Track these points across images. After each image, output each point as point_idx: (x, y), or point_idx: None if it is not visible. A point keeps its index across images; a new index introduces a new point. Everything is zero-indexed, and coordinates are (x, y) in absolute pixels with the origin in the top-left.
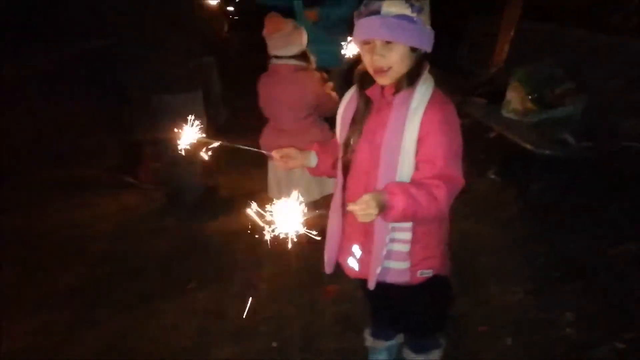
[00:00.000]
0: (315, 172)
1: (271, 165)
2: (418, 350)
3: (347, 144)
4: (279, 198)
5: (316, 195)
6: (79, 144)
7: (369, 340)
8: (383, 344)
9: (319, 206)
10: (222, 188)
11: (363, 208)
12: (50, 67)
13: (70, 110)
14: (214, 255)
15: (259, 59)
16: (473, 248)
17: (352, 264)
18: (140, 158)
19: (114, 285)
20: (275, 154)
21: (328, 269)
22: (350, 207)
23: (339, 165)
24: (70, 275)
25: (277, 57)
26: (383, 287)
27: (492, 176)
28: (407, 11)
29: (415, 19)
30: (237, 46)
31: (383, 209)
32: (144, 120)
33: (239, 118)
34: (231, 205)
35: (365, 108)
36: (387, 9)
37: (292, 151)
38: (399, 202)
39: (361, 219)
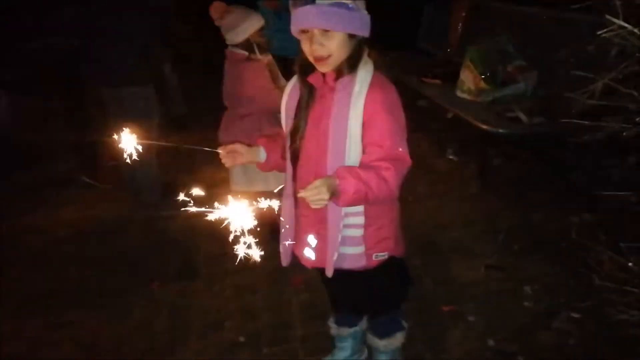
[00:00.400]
0: (264, 167)
1: None
2: (381, 334)
3: (294, 133)
4: (247, 189)
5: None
6: (39, 143)
7: (333, 329)
8: (347, 331)
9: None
10: (183, 183)
11: (314, 193)
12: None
13: (30, 109)
14: (178, 252)
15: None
16: (435, 227)
17: (309, 254)
18: (97, 157)
19: (83, 287)
20: (221, 149)
21: (285, 261)
22: (302, 193)
23: (288, 155)
24: (39, 280)
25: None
26: (340, 273)
27: (451, 156)
28: None
29: (350, 5)
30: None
31: (334, 194)
32: (99, 117)
33: (198, 111)
34: (193, 201)
35: (308, 96)
36: None
37: (238, 146)
38: (349, 186)
39: (313, 205)
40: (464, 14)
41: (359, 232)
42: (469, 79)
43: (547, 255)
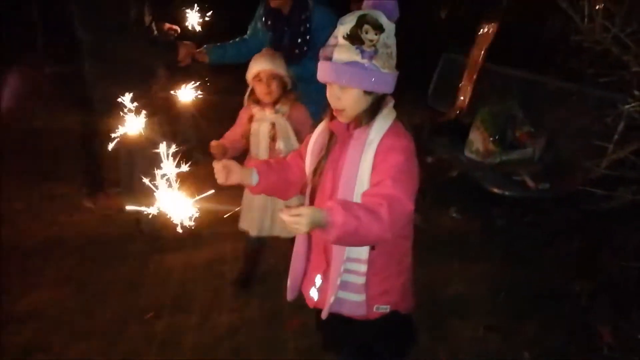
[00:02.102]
0: (255, 190)
1: (253, 200)
2: None
3: (314, 171)
4: (258, 234)
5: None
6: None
7: None
8: None
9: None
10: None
11: (294, 220)
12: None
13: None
14: (173, 285)
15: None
16: (435, 283)
17: (313, 293)
18: (100, 183)
19: (72, 311)
20: (216, 164)
21: (290, 296)
22: (282, 214)
23: (307, 191)
24: (28, 299)
25: None
26: (339, 319)
27: (454, 214)
28: (357, 58)
29: (366, 65)
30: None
31: (320, 225)
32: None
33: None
34: (193, 234)
35: (330, 139)
36: (338, 55)
37: (232, 164)
38: (338, 218)
39: (290, 229)
40: (475, 76)
41: (360, 280)
42: (478, 140)
43: (547, 319)
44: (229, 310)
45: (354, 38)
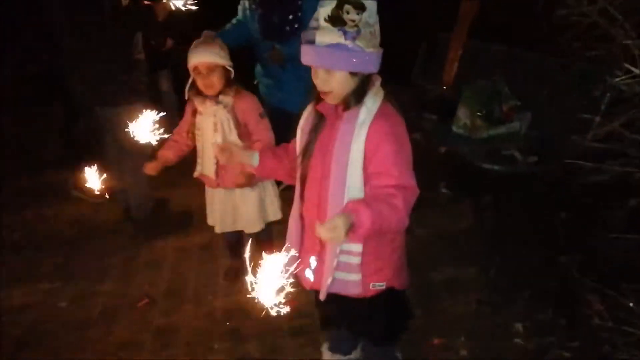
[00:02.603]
0: (257, 171)
1: (214, 196)
2: None
3: (303, 154)
4: (221, 230)
5: (261, 225)
6: (36, 155)
7: (326, 355)
8: (341, 358)
9: (263, 236)
10: (174, 201)
11: (331, 229)
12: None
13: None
14: (166, 272)
15: None
16: (426, 260)
17: (308, 274)
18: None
19: (65, 302)
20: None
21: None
22: (318, 230)
23: (298, 174)
24: (21, 292)
25: None
26: (336, 299)
27: (444, 190)
28: (340, 39)
29: (349, 46)
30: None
31: (350, 228)
32: (89, 133)
33: None
34: (184, 219)
35: (319, 121)
36: (320, 38)
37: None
38: (366, 218)
39: (331, 242)
40: (460, 53)
41: (356, 260)
42: (465, 115)
43: (538, 293)
44: (223, 295)
45: (335, 20)
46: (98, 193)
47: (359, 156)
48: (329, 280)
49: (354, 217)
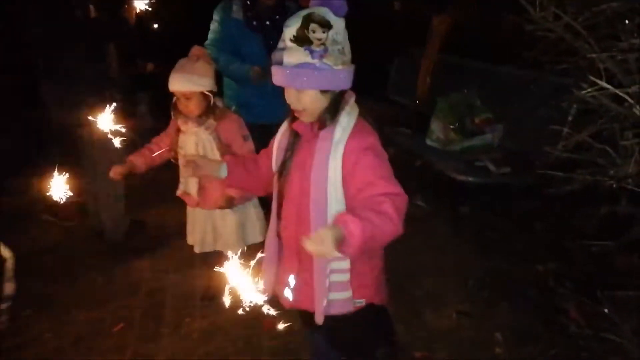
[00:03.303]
0: (226, 183)
1: (195, 216)
2: None
3: (280, 172)
4: (201, 249)
5: (240, 246)
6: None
7: None
8: None
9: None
10: (149, 222)
11: (318, 243)
12: None
13: None
14: (142, 294)
15: None
16: (405, 274)
17: (287, 293)
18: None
19: (41, 329)
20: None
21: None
22: (306, 244)
23: (274, 192)
24: None
25: None
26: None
27: (420, 203)
28: (307, 59)
29: (317, 64)
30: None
31: (339, 241)
32: (62, 153)
33: None
34: (160, 241)
35: (294, 139)
36: (287, 59)
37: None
38: (355, 228)
39: (319, 256)
40: (432, 67)
41: (345, 277)
42: (438, 129)
43: (517, 303)
44: (201, 317)
45: (301, 39)
46: (69, 216)
47: (337, 174)
48: (324, 302)
49: (342, 229)
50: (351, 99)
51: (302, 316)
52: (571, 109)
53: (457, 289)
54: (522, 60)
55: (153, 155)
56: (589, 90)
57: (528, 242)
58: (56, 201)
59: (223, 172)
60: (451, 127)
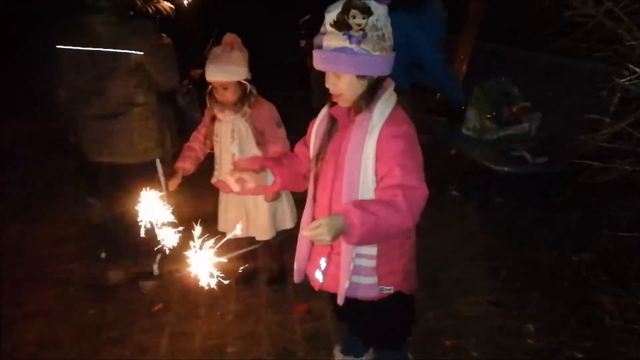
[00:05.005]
0: (272, 189)
1: (228, 202)
2: None
3: (317, 157)
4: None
5: (272, 234)
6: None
7: (338, 357)
8: None
9: (273, 242)
10: (186, 207)
11: (316, 233)
12: None
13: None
14: (180, 277)
15: None
16: (437, 262)
17: (318, 275)
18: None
19: (80, 307)
20: (229, 178)
21: (297, 278)
22: (304, 232)
23: (311, 176)
24: (35, 297)
25: None
26: (348, 301)
27: (454, 192)
28: (345, 43)
29: (355, 49)
30: None
31: (341, 230)
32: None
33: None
34: (194, 226)
35: (332, 124)
36: (327, 42)
37: (244, 174)
38: (356, 218)
39: (317, 243)
40: (468, 54)
41: (371, 263)
42: (474, 118)
43: (548, 293)
44: (235, 299)
45: (340, 24)
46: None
47: (371, 160)
48: (347, 284)
49: (343, 218)
50: (390, 87)
51: (332, 300)
52: (613, 97)
53: (488, 278)
54: (561, 46)
55: (196, 152)
56: (630, 77)
57: (562, 232)
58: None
59: (270, 180)
60: (487, 115)
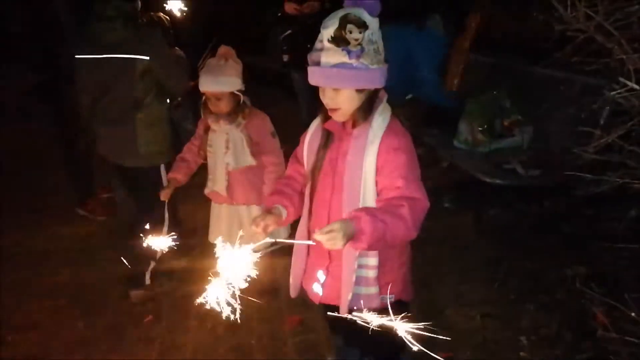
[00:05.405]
0: (290, 219)
1: (220, 212)
2: None
3: (313, 172)
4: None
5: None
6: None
7: None
8: None
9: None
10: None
11: (329, 237)
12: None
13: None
14: (171, 288)
15: None
16: (431, 274)
17: (317, 289)
18: (91, 188)
19: (70, 319)
20: (255, 228)
21: (293, 293)
22: (317, 235)
23: (307, 191)
24: (25, 310)
25: None
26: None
27: (447, 204)
28: (345, 59)
29: (354, 64)
30: None
31: (351, 236)
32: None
33: None
34: (190, 236)
35: (327, 139)
36: (326, 59)
37: (265, 219)
38: (365, 225)
39: (328, 247)
40: (462, 67)
41: (373, 273)
42: (467, 130)
43: (543, 305)
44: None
45: (338, 40)
46: (102, 211)
47: (371, 172)
48: (349, 296)
49: (354, 225)
50: (384, 98)
51: (327, 313)
52: (603, 110)
53: (482, 290)
54: (554, 59)
55: (189, 163)
56: (620, 91)
57: (555, 244)
58: (90, 197)
59: (284, 213)
60: (479, 128)
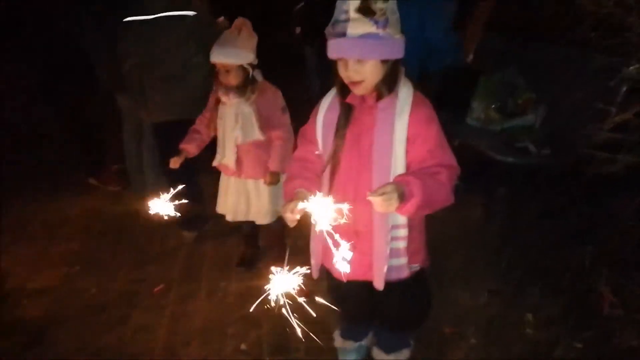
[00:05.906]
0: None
1: (229, 185)
2: (389, 349)
3: (335, 149)
4: (233, 218)
5: (272, 218)
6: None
7: (338, 341)
8: (352, 345)
9: (275, 226)
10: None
11: (386, 198)
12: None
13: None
14: (181, 258)
15: None
16: (439, 251)
17: (343, 266)
18: (103, 159)
19: (83, 286)
20: (288, 215)
21: (315, 274)
22: (371, 196)
23: (328, 168)
24: (40, 277)
25: None
26: (366, 285)
27: (456, 182)
28: (372, 29)
29: (381, 34)
30: None
31: (402, 199)
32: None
33: None
34: (200, 209)
35: (347, 114)
36: (353, 30)
37: (295, 208)
38: (417, 189)
39: (380, 209)
40: (475, 43)
41: (403, 244)
42: (479, 108)
43: (550, 284)
44: (237, 280)
45: (365, 10)
46: (114, 182)
47: (402, 144)
48: (385, 268)
49: (404, 188)
50: (403, 70)
51: (354, 285)
52: (619, 88)
53: (489, 268)
54: (569, 36)
55: (201, 135)
56: (638, 66)
57: (565, 224)
58: (102, 167)
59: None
60: (492, 106)
